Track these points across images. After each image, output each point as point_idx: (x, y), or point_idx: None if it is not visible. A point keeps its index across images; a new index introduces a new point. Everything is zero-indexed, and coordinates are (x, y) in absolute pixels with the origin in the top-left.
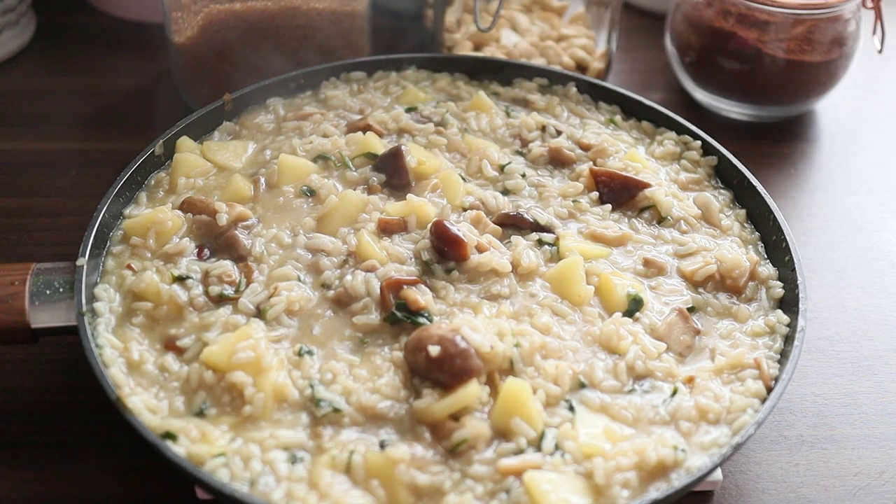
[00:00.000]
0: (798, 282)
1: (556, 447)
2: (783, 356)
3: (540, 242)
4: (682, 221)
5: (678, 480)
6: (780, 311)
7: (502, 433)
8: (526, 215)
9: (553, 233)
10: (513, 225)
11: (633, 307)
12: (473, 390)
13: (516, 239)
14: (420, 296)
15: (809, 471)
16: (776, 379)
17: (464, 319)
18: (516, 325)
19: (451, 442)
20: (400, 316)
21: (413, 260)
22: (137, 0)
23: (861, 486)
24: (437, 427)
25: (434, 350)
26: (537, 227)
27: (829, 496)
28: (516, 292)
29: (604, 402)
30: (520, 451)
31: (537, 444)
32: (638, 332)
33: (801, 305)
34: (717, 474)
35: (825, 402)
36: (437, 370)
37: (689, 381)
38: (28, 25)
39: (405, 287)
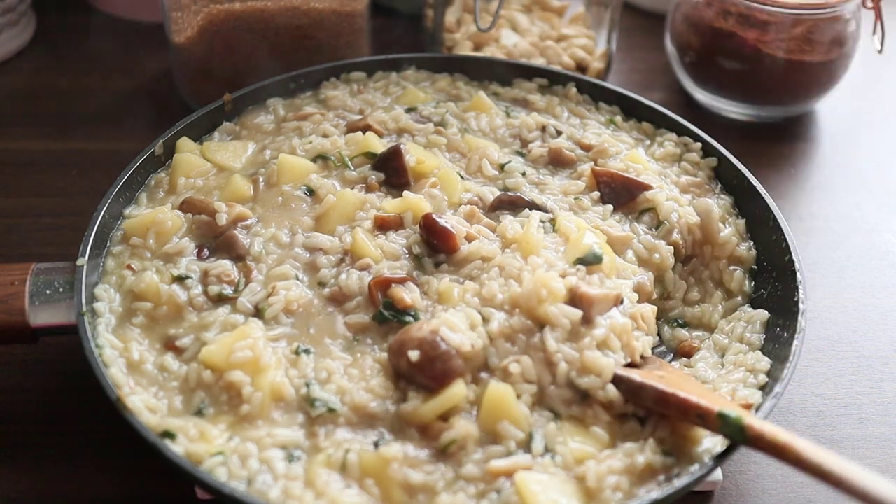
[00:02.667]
0: (798, 282)
1: (546, 449)
2: (784, 356)
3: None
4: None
5: (678, 480)
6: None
7: (491, 436)
8: (524, 196)
9: (548, 212)
10: (509, 205)
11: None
12: (459, 391)
13: (508, 220)
14: (407, 294)
15: None
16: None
17: (443, 320)
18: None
19: (441, 443)
20: (387, 315)
21: (406, 255)
22: (137, 0)
23: None
24: (426, 428)
25: (413, 355)
26: (532, 205)
27: (829, 496)
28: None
29: None
30: (510, 453)
31: (526, 446)
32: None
33: (801, 305)
34: (717, 474)
35: (825, 402)
36: (420, 374)
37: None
38: (28, 25)
39: (393, 285)
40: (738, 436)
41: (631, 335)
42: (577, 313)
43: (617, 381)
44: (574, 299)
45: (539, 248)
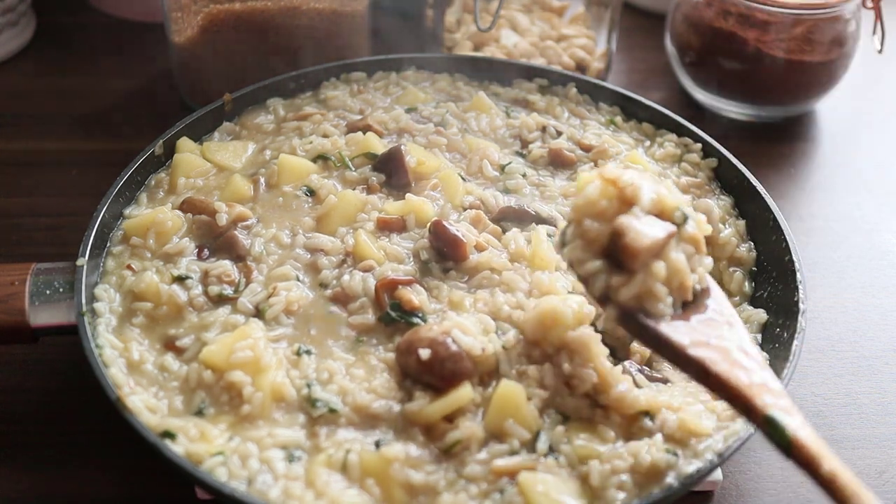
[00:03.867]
0: (798, 282)
1: (551, 449)
2: (784, 356)
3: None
4: None
5: (679, 480)
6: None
7: (496, 434)
8: (528, 208)
9: (555, 226)
10: (515, 218)
11: None
12: (466, 393)
13: (514, 234)
14: (414, 296)
15: None
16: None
17: (455, 322)
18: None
19: (445, 443)
20: (394, 316)
21: (411, 259)
22: (137, 0)
23: None
24: (431, 429)
25: (424, 353)
26: (539, 219)
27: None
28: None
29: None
30: (514, 453)
31: (531, 446)
32: None
33: (801, 306)
34: (717, 474)
35: (825, 402)
36: (428, 374)
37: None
38: (28, 25)
39: (400, 287)
40: (781, 446)
41: (685, 274)
42: (593, 337)
43: (662, 343)
44: (614, 246)
45: (552, 266)
